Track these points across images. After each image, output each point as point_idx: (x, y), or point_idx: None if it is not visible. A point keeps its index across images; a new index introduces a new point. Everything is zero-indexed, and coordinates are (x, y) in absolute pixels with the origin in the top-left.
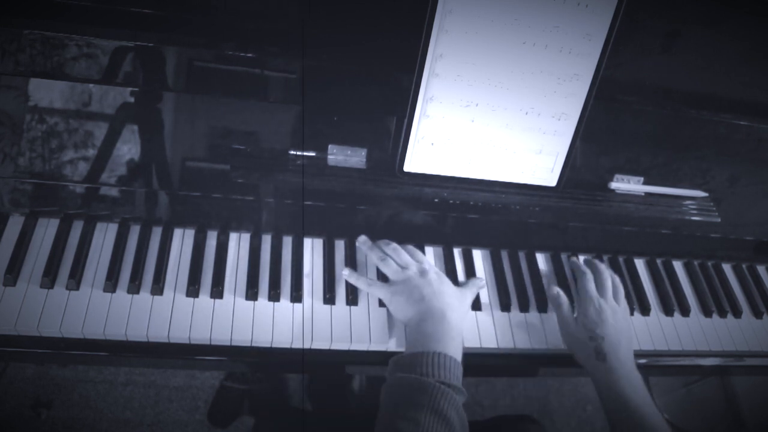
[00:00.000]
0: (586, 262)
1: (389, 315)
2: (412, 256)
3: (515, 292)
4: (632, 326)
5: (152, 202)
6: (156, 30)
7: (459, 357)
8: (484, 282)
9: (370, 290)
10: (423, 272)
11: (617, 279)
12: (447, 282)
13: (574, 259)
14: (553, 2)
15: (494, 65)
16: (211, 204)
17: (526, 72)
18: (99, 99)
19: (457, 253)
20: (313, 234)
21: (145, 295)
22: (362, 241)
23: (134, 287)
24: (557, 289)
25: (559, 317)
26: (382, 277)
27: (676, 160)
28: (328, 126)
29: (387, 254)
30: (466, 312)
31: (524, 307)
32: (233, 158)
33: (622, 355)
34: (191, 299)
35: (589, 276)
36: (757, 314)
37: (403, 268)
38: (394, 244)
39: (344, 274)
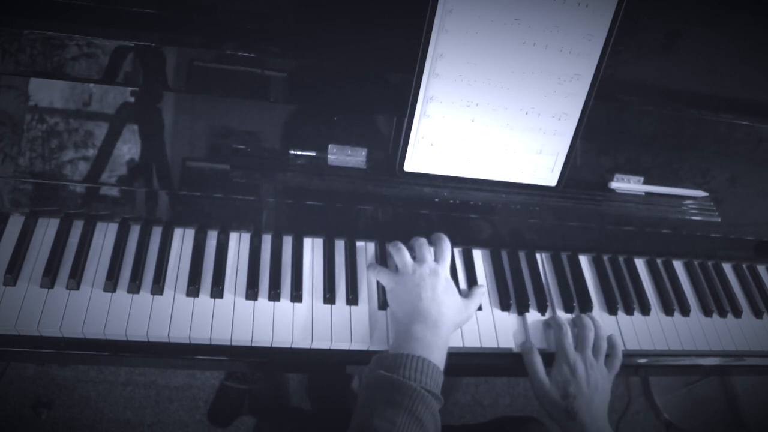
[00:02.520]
0: (575, 318)
1: (390, 315)
2: (440, 252)
3: (515, 292)
4: (610, 379)
5: (152, 202)
6: (156, 30)
7: (441, 366)
8: (485, 288)
9: (378, 276)
10: (433, 273)
11: (601, 331)
12: (453, 293)
13: (558, 314)
14: (553, 2)
15: (494, 65)
16: (211, 204)
17: (526, 72)
18: (99, 99)
19: (457, 253)
20: (313, 234)
21: (145, 294)
22: (393, 243)
23: (134, 287)
24: (531, 344)
25: (530, 375)
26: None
27: (676, 160)
28: (328, 126)
29: (406, 246)
30: (464, 322)
31: (524, 307)
32: (233, 158)
33: (594, 412)
34: (191, 299)
35: (566, 330)
36: (757, 314)
37: (418, 262)
38: (423, 239)
39: (367, 265)
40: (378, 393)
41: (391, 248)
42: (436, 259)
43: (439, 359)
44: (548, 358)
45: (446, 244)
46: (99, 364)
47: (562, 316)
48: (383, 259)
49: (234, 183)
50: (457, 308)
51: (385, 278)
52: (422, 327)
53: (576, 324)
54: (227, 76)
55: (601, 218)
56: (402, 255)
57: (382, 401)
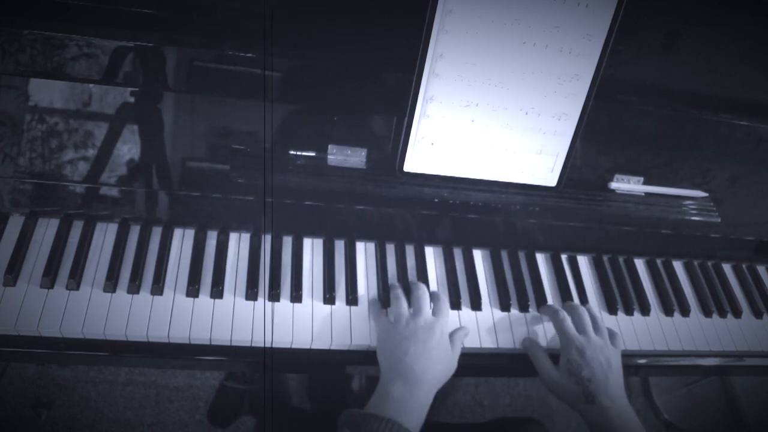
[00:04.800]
0: (564, 307)
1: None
2: (438, 309)
3: (515, 292)
4: (619, 356)
5: (152, 202)
6: (156, 30)
7: (419, 426)
8: (467, 330)
9: (375, 321)
10: (428, 327)
11: (593, 311)
12: (444, 348)
13: (546, 305)
14: (553, 2)
15: (494, 65)
16: (211, 204)
17: (526, 72)
18: (99, 99)
19: (457, 253)
20: (313, 234)
21: (145, 295)
22: (393, 284)
23: (134, 287)
24: (531, 339)
25: (538, 368)
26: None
27: (676, 160)
28: (328, 126)
29: (406, 293)
30: (450, 375)
31: (524, 307)
32: (233, 158)
33: (612, 391)
34: (191, 299)
35: (563, 314)
36: (757, 314)
37: (414, 314)
38: (423, 288)
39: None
40: None
41: (392, 293)
42: (434, 313)
43: (415, 421)
44: (556, 358)
45: (445, 304)
46: (99, 364)
47: None
48: (382, 260)
49: (234, 183)
50: (445, 365)
51: (379, 326)
52: (402, 385)
53: (568, 312)
54: (227, 76)
55: (600, 218)
56: (398, 305)
57: None
